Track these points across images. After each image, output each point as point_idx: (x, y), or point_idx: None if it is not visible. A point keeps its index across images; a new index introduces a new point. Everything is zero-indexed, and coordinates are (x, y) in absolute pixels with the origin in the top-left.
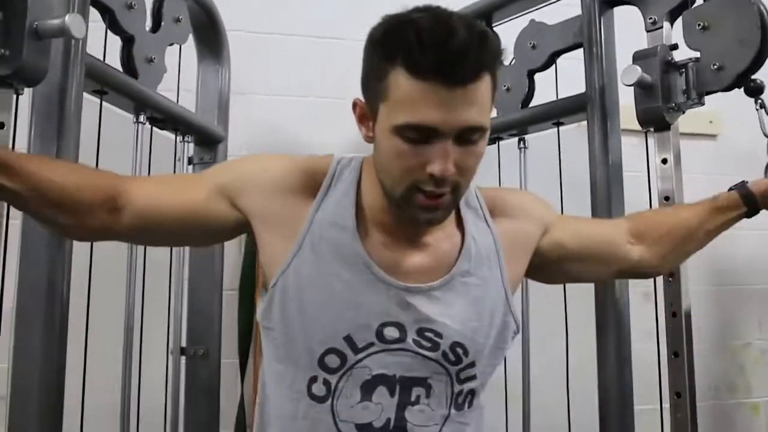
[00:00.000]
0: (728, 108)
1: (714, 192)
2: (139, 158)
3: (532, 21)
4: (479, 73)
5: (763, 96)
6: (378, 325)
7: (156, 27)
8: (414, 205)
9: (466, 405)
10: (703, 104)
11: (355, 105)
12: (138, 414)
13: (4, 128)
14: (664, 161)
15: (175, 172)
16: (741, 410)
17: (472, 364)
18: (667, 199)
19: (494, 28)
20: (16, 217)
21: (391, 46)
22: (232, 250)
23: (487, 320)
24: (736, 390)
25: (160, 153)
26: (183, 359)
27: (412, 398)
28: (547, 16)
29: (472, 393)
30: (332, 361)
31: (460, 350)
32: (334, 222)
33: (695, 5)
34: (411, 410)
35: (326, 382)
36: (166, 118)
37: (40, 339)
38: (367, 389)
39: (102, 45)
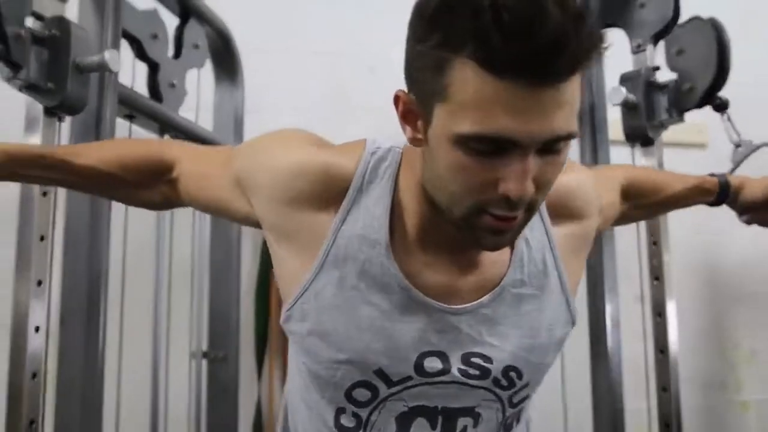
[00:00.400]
0: (717, 118)
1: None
2: None
3: None
4: (576, 68)
5: (728, 110)
6: (417, 356)
7: (177, 53)
8: (479, 227)
9: (515, 423)
10: (683, 121)
11: (397, 99)
12: (166, 414)
13: None
14: None
15: None
16: (731, 408)
17: (526, 386)
18: None
19: None
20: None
21: (456, 28)
22: (247, 253)
23: (545, 336)
24: (726, 388)
25: None
26: (204, 362)
27: (458, 429)
28: None
29: (521, 411)
30: (361, 394)
31: (513, 374)
32: (363, 236)
33: (674, 31)
34: None
35: (356, 415)
36: (187, 137)
37: (83, 343)
38: (404, 422)
39: (129, 71)
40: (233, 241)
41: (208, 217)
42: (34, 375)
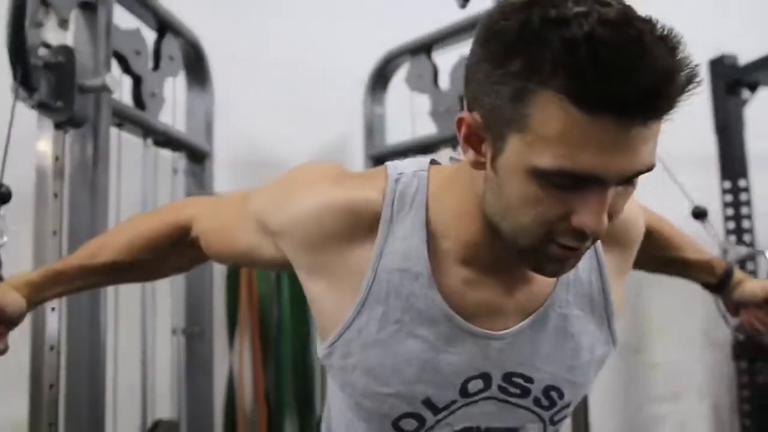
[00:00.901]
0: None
1: (663, 203)
2: (152, 174)
3: (463, 55)
4: (675, 107)
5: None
6: (462, 382)
7: (156, 66)
8: (543, 256)
9: None
10: None
11: (461, 120)
12: (154, 378)
13: (59, 160)
14: None
15: (172, 184)
16: (642, 368)
17: (567, 405)
18: None
19: (433, 59)
20: None
21: (546, 59)
22: None
23: (586, 357)
24: (639, 352)
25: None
26: (183, 337)
27: None
28: None
29: (559, 427)
30: (408, 424)
31: (554, 394)
32: (404, 270)
33: None
34: None
35: None
36: (166, 140)
37: (88, 321)
38: None
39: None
40: None
41: None
42: (52, 347)
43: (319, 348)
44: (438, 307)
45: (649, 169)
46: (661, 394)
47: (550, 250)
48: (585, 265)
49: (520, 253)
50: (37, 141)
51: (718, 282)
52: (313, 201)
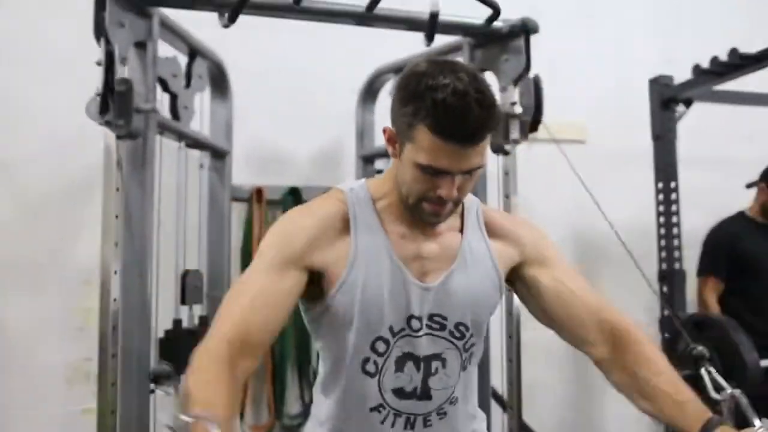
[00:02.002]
0: (595, 119)
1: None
2: (184, 169)
3: None
4: (485, 138)
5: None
6: (406, 315)
7: (188, 84)
8: (422, 210)
9: (468, 364)
10: (527, 139)
11: (384, 131)
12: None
13: (120, 162)
14: (507, 173)
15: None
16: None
17: (471, 336)
18: (507, 196)
19: None
20: None
21: (420, 107)
22: (235, 225)
23: (482, 303)
24: None
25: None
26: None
27: (432, 370)
28: None
29: (472, 354)
30: (380, 346)
31: (462, 328)
32: (370, 240)
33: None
34: (432, 379)
35: (375, 364)
36: (195, 143)
37: (137, 284)
38: (399, 364)
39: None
40: (225, 217)
41: (205, 207)
42: (115, 299)
43: (326, 301)
44: (392, 258)
45: (479, 168)
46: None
47: (425, 207)
48: (480, 244)
49: (410, 207)
50: (104, 149)
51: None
52: (316, 218)
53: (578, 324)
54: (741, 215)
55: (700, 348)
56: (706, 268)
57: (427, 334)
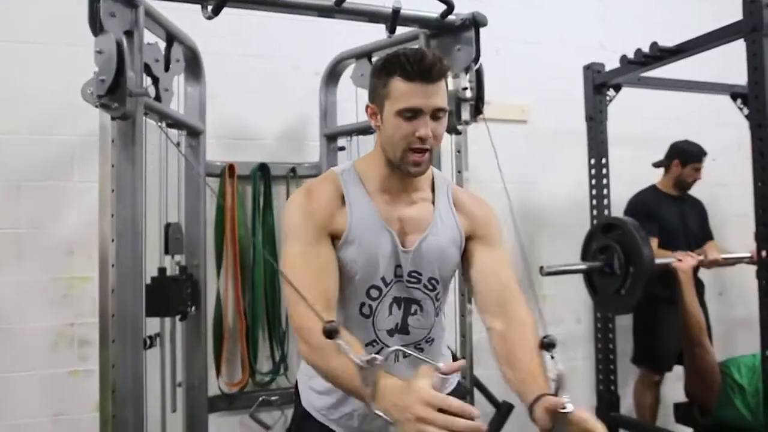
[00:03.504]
0: (536, 101)
1: (524, 159)
2: (165, 146)
3: None
4: (441, 77)
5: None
6: (395, 266)
7: (167, 68)
8: (408, 161)
9: (440, 311)
10: (476, 121)
11: (367, 107)
12: None
13: (114, 141)
14: (459, 151)
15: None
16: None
17: (440, 289)
18: (459, 171)
19: (372, 62)
20: None
21: (390, 66)
22: (210, 199)
23: (447, 262)
24: (531, 285)
25: (163, 140)
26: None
27: (411, 311)
28: None
29: (441, 303)
30: (374, 292)
31: (434, 281)
32: (362, 209)
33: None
34: (411, 318)
35: (369, 307)
36: (174, 122)
37: (130, 248)
38: (390, 308)
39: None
40: (200, 191)
41: (183, 181)
42: (113, 265)
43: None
44: (380, 221)
45: (444, 109)
46: (548, 319)
47: (410, 156)
48: (448, 214)
49: (398, 165)
50: (100, 128)
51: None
52: (322, 192)
53: (488, 295)
54: (654, 188)
55: (551, 336)
56: None
57: (407, 285)
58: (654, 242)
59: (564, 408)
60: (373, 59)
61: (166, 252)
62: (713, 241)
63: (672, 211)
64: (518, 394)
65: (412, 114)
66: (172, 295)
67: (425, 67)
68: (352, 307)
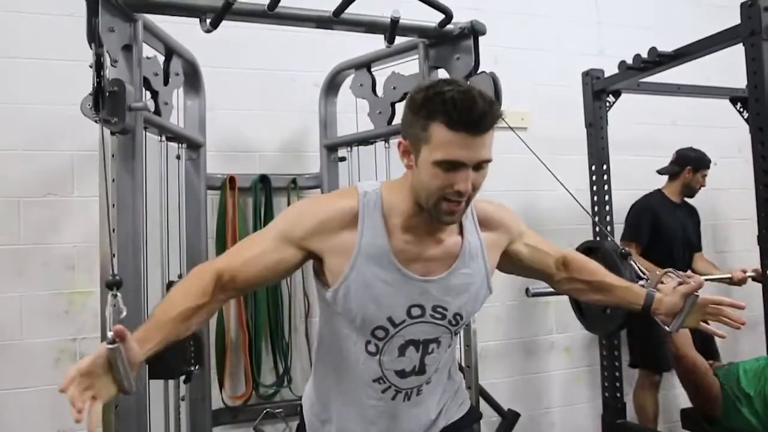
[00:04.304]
0: (535, 108)
1: (524, 166)
2: (165, 160)
3: (393, 72)
4: (490, 128)
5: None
6: (407, 307)
7: (166, 82)
8: (441, 210)
9: (451, 343)
10: None
11: (399, 144)
12: None
13: (115, 156)
14: None
15: (170, 167)
16: (538, 304)
17: (463, 324)
18: None
19: (373, 73)
20: None
21: (434, 108)
22: (210, 213)
23: (474, 296)
24: None
25: (163, 153)
26: None
27: (429, 350)
28: (403, 68)
29: (457, 334)
30: (379, 333)
31: (458, 317)
32: (373, 242)
33: (473, 76)
34: (428, 357)
35: (376, 345)
36: (174, 136)
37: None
38: (401, 350)
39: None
40: (201, 203)
41: (184, 194)
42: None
43: (325, 292)
44: (393, 263)
45: (489, 161)
46: (553, 326)
47: (444, 205)
48: (475, 242)
49: (429, 209)
50: (100, 143)
51: (643, 307)
52: (327, 210)
53: (546, 267)
54: (660, 193)
55: (626, 249)
56: (630, 236)
57: (428, 321)
58: (635, 249)
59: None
60: (373, 69)
61: None
62: (701, 253)
63: (674, 217)
64: (624, 305)
65: (452, 167)
66: (174, 357)
67: (475, 117)
68: (356, 343)
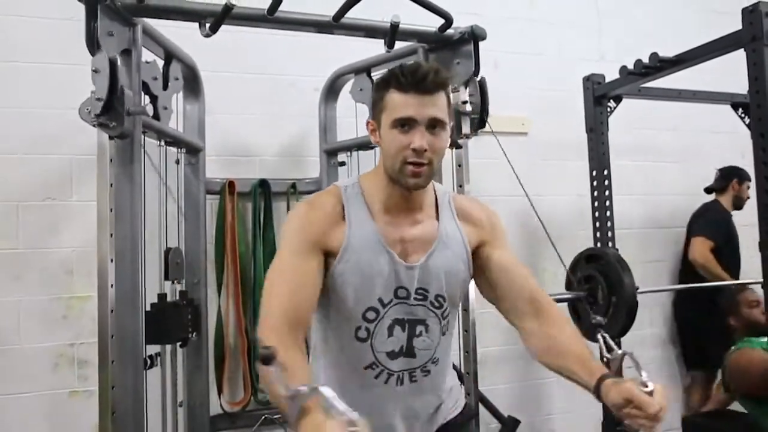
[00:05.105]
0: (536, 113)
1: (525, 171)
2: (163, 164)
3: None
4: (437, 87)
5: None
6: (395, 287)
7: (165, 86)
8: (406, 173)
9: (446, 330)
10: (477, 134)
11: (367, 123)
12: None
13: (113, 160)
14: (459, 165)
15: (170, 172)
16: None
17: (447, 306)
18: (460, 185)
19: (373, 78)
20: None
21: (387, 80)
22: (209, 217)
23: (455, 279)
24: None
25: (162, 158)
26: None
27: (416, 332)
28: None
29: (449, 322)
30: (370, 314)
31: (440, 299)
32: (360, 225)
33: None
34: (416, 340)
35: (367, 329)
36: (173, 140)
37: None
38: (390, 329)
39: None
40: (200, 208)
41: (183, 199)
42: (112, 285)
43: (327, 281)
44: (381, 243)
45: (441, 121)
46: None
47: (407, 169)
48: (453, 228)
49: (397, 177)
50: (98, 148)
51: (593, 391)
52: (322, 209)
53: (515, 296)
54: (720, 203)
55: (599, 318)
56: (709, 234)
57: (412, 303)
58: (709, 245)
59: (646, 387)
60: (373, 74)
61: (166, 277)
62: None
63: (734, 228)
64: (574, 379)
65: (406, 125)
66: (172, 321)
67: (419, 76)
68: (348, 329)
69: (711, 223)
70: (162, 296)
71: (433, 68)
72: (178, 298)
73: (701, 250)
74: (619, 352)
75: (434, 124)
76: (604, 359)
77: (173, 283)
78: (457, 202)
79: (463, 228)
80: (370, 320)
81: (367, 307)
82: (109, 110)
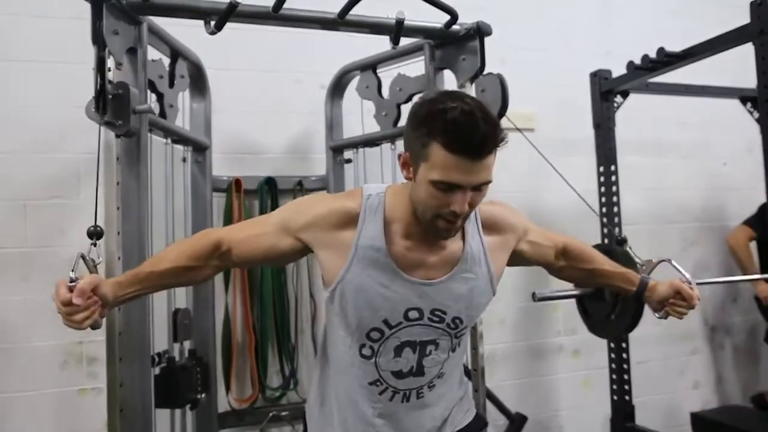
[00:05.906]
0: (543, 109)
1: (531, 167)
2: (170, 163)
3: (399, 74)
4: (491, 152)
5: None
6: (404, 310)
7: (171, 84)
8: (437, 227)
9: (457, 347)
10: None
11: (400, 156)
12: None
13: (119, 159)
14: None
15: (177, 170)
16: (546, 308)
17: (464, 328)
18: None
19: (378, 75)
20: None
21: (432, 127)
22: (217, 215)
23: (476, 301)
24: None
25: (168, 156)
26: None
27: (427, 352)
28: (409, 70)
29: (461, 339)
30: (375, 335)
31: (458, 321)
32: (371, 246)
33: (480, 77)
34: (426, 359)
35: (371, 348)
36: (179, 138)
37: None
38: (397, 350)
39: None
40: (207, 206)
41: (190, 197)
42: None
43: (323, 292)
44: (390, 266)
45: (487, 183)
46: (561, 329)
47: (439, 223)
48: (477, 245)
49: (425, 224)
50: (104, 146)
51: (637, 292)
52: (325, 206)
53: (546, 258)
54: None
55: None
56: (750, 221)
57: (426, 324)
58: (747, 233)
59: (689, 283)
60: (378, 71)
61: (175, 339)
62: None
63: None
64: (619, 290)
65: (448, 188)
66: (181, 385)
67: (475, 142)
68: (353, 344)
69: (760, 216)
70: (170, 360)
71: (492, 126)
72: (187, 357)
73: (738, 235)
74: (654, 261)
75: (481, 186)
76: (642, 267)
77: (182, 344)
78: (484, 214)
79: (491, 242)
80: (375, 340)
81: (371, 327)
82: (103, 109)
